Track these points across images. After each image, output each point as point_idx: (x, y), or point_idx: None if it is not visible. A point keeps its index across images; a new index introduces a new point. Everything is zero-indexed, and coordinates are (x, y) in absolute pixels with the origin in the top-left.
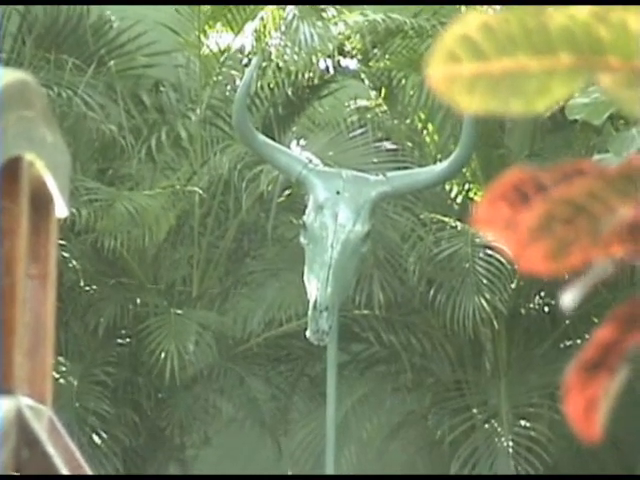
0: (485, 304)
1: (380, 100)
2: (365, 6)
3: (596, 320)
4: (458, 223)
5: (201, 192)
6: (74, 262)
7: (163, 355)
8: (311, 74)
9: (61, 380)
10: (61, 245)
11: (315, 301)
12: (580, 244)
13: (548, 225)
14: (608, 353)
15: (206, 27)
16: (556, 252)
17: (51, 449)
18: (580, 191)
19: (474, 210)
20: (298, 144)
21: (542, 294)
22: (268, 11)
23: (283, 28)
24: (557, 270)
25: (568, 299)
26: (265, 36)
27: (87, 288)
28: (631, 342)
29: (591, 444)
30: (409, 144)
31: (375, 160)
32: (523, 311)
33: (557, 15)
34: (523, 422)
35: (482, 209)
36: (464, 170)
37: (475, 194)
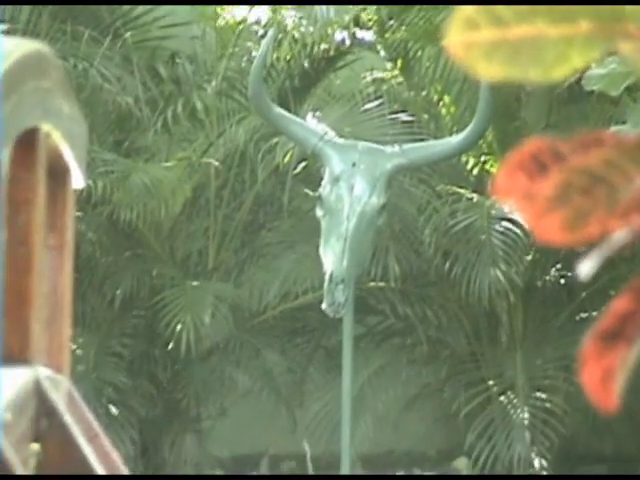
0: (501, 276)
1: (396, 72)
2: None
3: (612, 293)
4: (474, 195)
5: (217, 164)
6: (90, 234)
7: (179, 327)
8: (327, 46)
9: (78, 351)
10: (77, 217)
11: (331, 273)
12: (598, 214)
13: (565, 195)
14: (626, 323)
15: None
16: (573, 222)
17: (69, 419)
18: (598, 160)
19: (492, 180)
20: (314, 116)
21: (558, 266)
22: None
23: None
24: (574, 240)
25: (585, 269)
26: (281, 7)
27: (103, 260)
28: None
29: (607, 415)
30: (425, 116)
31: (391, 132)
32: (539, 283)
33: None
34: (539, 394)
35: (500, 178)
36: (480, 142)
37: (491, 166)
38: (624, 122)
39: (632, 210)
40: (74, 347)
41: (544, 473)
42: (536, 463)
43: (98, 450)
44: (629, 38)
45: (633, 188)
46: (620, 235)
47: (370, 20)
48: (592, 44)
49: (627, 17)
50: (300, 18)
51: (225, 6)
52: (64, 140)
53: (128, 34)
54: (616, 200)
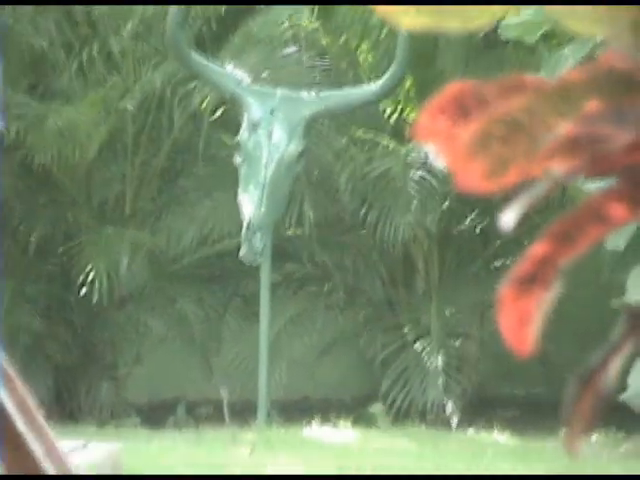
0: (416, 223)
1: (314, 17)
2: None
3: (526, 242)
4: (391, 143)
5: (133, 109)
6: (4, 179)
7: (94, 273)
8: None
9: None
10: None
11: (249, 221)
12: (517, 162)
13: (485, 142)
14: (543, 267)
15: None
16: (493, 170)
17: None
18: (518, 108)
19: (412, 124)
20: (232, 62)
21: (474, 215)
22: None
23: None
24: (494, 188)
25: (507, 219)
26: None
27: (17, 205)
28: (565, 257)
29: (520, 360)
30: (343, 63)
31: (309, 78)
32: (455, 232)
33: None
34: (453, 341)
35: (422, 121)
36: (398, 90)
37: (409, 114)
38: (539, 70)
39: (551, 157)
40: None
41: (455, 418)
42: (449, 408)
43: (12, 394)
44: None
45: (552, 135)
46: (540, 184)
47: None
48: None
49: None
50: None
51: None
52: None
53: None
54: (536, 148)
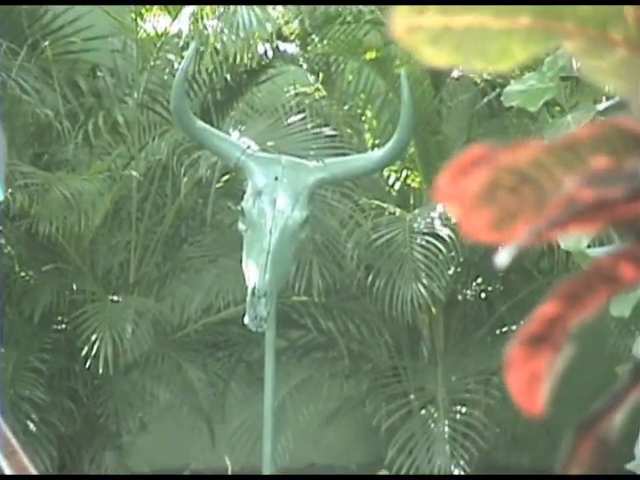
0: (423, 290)
1: (318, 85)
2: None
3: (531, 308)
4: (396, 209)
5: (138, 176)
6: (9, 248)
7: (99, 342)
8: (249, 57)
9: None
10: None
11: (253, 287)
12: (525, 214)
13: (493, 193)
14: (552, 328)
15: (142, 10)
16: (500, 221)
17: None
18: (525, 160)
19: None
20: (236, 130)
21: (479, 280)
22: None
23: (220, 10)
24: (500, 240)
25: (502, 258)
26: (202, 18)
27: (22, 274)
28: (574, 318)
29: (529, 425)
30: (348, 130)
31: (314, 146)
32: (460, 297)
33: None
34: (459, 408)
35: (442, 182)
36: (402, 156)
37: (413, 180)
38: (542, 137)
39: (558, 211)
40: None
41: None
42: None
43: (15, 466)
44: (567, 36)
45: (560, 190)
46: (537, 229)
47: (292, 33)
48: (532, 39)
49: (565, 16)
50: (221, 30)
51: (145, 17)
52: None
53: (47, 45)
54: (543, 201)
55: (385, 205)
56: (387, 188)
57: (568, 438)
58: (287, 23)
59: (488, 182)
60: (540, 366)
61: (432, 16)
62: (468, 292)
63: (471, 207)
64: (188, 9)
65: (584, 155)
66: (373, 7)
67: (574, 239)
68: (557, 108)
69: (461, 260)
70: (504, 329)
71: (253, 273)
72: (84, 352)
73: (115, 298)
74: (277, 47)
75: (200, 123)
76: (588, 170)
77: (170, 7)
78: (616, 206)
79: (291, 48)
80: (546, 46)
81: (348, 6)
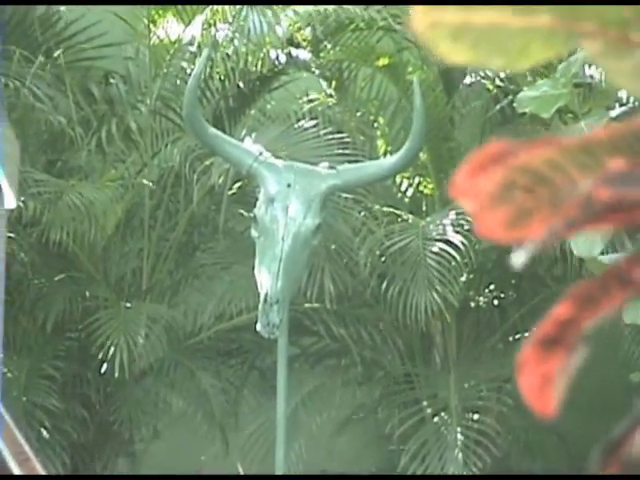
0: (436, 297)
1: (331, 92)
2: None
3: (544, 314)
4: (409, 216)
5: (151, 184)
6: (22, 255)
7: (112, 349)
8: (261, 63)
9: (9, 375)
10: (8, 238)
11: (266, 294)
12: (540, 213)
13: (508, 192)
14: (566, 330)
15: (155, 17)
16: (515, 220)
17: (0, 442)
18: (541, 160)
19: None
20: (249, 136)
21: (492, 287)
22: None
23: (232, 16)
24: (516, 238)
25: (519, 258)
26: (215, 26)
27: (35, 281)
28: (589, 320)
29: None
30: (360, 137)
31: (326, 153)
32: (473, 304)
33: None
34: (472, 415)
35: (460, 179)
36: (414, 163)
37: (425, 187)
38: None
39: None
40: (5, 370)
41: None
42: None
43: (29, 474)
44: (586, 36)
45: (575, 190)
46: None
47: (304, 40)
48: (552, 39)
49: (586, 17)
50: (233, 37)
51: (158, 25)
52: None
53: (60, 53)
54: (559, 201)
55: (398, 212)
56: (399, 195)
57: (594, 463)
58: (299, 30)
59: (504, 181)
60: (553, 368)
61: (453, 12)
62: (481, 299)
63: (487, 206)
64: (201, 16)
65: (600, 156)
66: (385, 14)
67: (587, 246)
68: (570, 115)
69: (474, 267)
70: (517, 336)
71: (265, 280)
72: (97, 359)
73: (128, 305)
74: (289, 54)
75: (212, 130)
76: (604, 171)
77: (183, 14)
78: (633, 207)
79: (303, 55)
80: (566, 46)
81: (360, 13)
